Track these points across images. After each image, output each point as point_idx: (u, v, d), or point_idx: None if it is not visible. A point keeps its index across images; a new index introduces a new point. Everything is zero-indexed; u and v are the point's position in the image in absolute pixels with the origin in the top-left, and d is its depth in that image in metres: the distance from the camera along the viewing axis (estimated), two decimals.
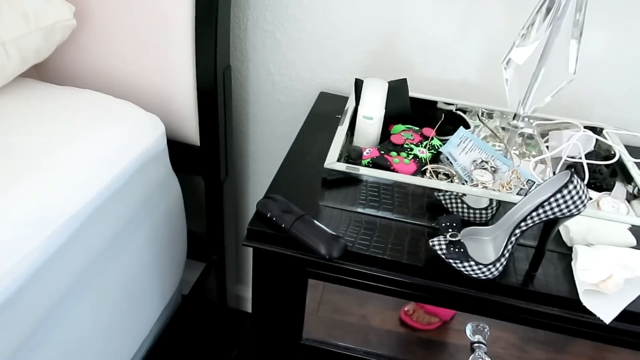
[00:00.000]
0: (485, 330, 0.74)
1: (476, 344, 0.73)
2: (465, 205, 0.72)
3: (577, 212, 0.58)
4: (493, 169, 0.78)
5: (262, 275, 0.74)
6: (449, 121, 0.90)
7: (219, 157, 1.03)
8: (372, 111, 0.78)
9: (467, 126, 0.87)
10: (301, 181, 0.79)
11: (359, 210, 0.74)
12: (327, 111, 1.00)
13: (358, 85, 0.86)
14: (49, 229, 0.63)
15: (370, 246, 0.68)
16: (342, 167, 0.72)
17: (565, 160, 0.79)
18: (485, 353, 0.71)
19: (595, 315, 0.61)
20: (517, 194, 0.73)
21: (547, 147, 0.84)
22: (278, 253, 0.69)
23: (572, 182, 0.57)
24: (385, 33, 1.00)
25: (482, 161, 0.79)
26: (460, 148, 0.81)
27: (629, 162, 0.79)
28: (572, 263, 0.66)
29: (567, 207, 0.58)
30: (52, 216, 0.64)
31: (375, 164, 0.75)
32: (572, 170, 0.59)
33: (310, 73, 1.09)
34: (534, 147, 0.86)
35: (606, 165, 0.81)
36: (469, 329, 0.75)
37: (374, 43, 1.02)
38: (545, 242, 0.63)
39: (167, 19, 0.89)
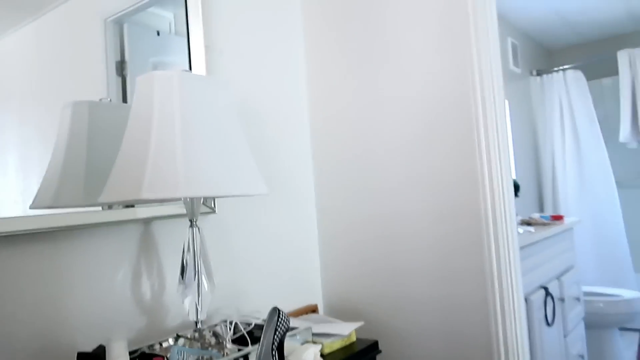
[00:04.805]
0: None
1: None
2: None
3: (289, 326, 1.06)
4: (208, 357, 1.11)
5: None
6: None
7: None
8: (124, 357, 0.96)
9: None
10: None
11: None
12: None
13: (85, 355, 0.99)
14: None
15: None
16: None
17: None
18: None
19: None
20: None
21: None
22: None
23: (279, 309, 1.05)
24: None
25: (200, 357, 1.11)
26: (179, 357, 1.09)
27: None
28: None
29: (286, 322, 1.04)
30: None
31: None
32: (274, 307, 1.07)
33: None
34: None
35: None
36: None
37: (36, 342, 1.12)
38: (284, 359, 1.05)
39: None
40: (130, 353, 1.15)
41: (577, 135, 3.77)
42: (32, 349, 1.11)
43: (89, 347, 1.19)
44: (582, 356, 2.47)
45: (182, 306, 1.22)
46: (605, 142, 3.74)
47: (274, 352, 1.02)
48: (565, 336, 2.32)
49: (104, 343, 1.07)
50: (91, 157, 1.22)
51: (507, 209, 1.53)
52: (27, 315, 1.11)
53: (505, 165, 1.54)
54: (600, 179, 3.68)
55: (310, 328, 1.22)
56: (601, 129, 3.75)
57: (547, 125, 3.88)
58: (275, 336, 1.03)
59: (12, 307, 1.09)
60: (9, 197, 1.09)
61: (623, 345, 3.01)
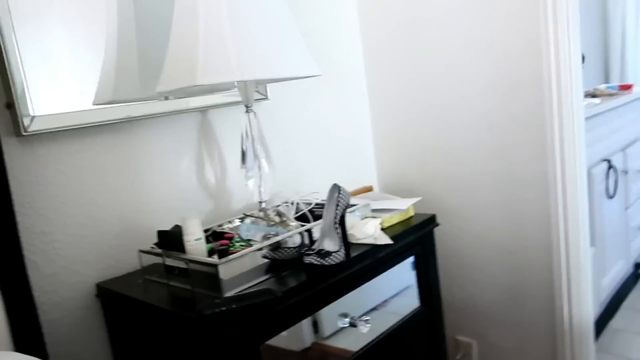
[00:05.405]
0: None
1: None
2: (288, 248, 1.09)
3: (349, 201, 1.09)
4: (274, 233, 1.18)
5: None
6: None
7: None
8: (199, 233, 1.04)
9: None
10: None
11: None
12: (127, 285, 1.12)
13: (164, 233, 1.09)
14: None
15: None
16: None
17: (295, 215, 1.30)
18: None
19: (387, 244, 1.12)
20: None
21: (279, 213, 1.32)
22: None
23: (339, 186, 1.08)
24: (122, 214, 1.24)
25: (267, 234, 1.18)
26: (248, 233, 1.17)
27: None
28: (353, 238, 1.16)
29: (346, 198, 1.08)
30: None
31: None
32: (335, 184, 1.10)
33: (75, 276, 1.15)
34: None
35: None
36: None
37: (118, 225, 1.22)
38: (346, 233, 1.11)
39: None
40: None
41: None
42: (115, 230, 1.21)
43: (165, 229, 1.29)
44: None
45: (245, 190, 1.28)
46: None
47: (336, 226, 1.07)
48: (626, 208, 2.29)
49: (179, 224, 1.15)
50: (142, 49, 1.23)
51: (573, 77, 1.43)
52: (107, 201, 1.20)
53: (573, 30, 1.41)
54: None
55: (369, 204, 1.26)
56: None
57: None
58: (337, 211, 1.07)
59: (92, 194, 1.18)
60: (72, 96, 1.13)
61: None
